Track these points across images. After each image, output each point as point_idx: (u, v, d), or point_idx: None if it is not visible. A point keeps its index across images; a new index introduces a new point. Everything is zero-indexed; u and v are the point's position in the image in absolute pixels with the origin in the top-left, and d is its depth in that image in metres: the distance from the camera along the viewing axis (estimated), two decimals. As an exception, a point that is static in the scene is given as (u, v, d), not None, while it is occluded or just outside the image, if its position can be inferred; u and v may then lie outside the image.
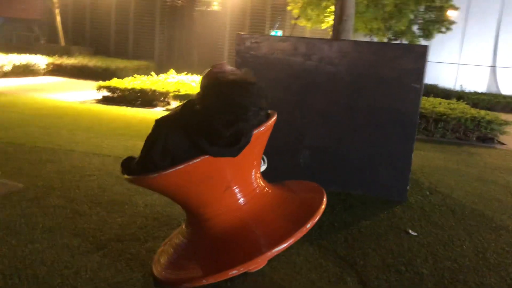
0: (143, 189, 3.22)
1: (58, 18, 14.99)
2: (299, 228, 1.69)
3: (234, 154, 1.73)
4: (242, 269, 1.64)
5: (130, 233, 2.49)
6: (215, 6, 18.54)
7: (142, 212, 2.82)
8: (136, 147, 4.50)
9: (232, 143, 1.72)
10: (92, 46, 16.48)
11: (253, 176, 1.94)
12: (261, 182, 1.97)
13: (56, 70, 12.34)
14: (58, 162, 3.74)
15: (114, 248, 2.30)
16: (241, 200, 1.85)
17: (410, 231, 2.86)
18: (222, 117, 1.71)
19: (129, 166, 1.86)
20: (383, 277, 2.23)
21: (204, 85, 1.92)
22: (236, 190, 1.84)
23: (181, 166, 1.67)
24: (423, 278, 2.26)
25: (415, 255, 2.52)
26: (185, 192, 1.84)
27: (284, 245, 1.66)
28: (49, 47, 14.56)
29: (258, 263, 1.72)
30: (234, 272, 1.63)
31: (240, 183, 1.86)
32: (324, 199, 1.86)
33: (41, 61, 11.92)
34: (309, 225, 1.71)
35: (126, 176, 1.82)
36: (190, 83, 8.98)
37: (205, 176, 1.76)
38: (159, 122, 1.76)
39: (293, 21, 6.72)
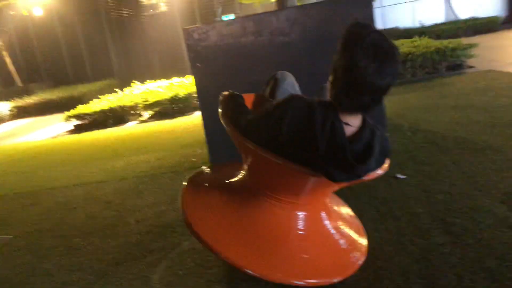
0: (132, 206, 3.20)
1: (8, 60, 14.62)
2: (326, 278, 1.68)
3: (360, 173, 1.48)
4: (257, 275, 1.59)
5: (127, 253, 2.46)
6: (162, 7, 18.25)
7: (135, 229, 2.79)
8: (116, 167, 4.45)
9: (360, 159, 1.43)
10: (50, 79, 16.16)
11: (323, 201, 1.89)
12: (327, 208, 1.90)
13: (21, 113, 12.08)
14: (41, 203, 3.67)
15: (115, 273, 2.27)
16: (301, 215, 1.76)
17: (399, 176, 2.88)
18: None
19: (237, 110, 1.71)
20: (381, 227, 2.25)
21: None
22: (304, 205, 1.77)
23: (280, 161, 1.50)
24: (420, 217, 2.28)
25: (408, 197, 2.55)
26: (262, 172, 1.74)
27: (304, 284, 1.63)
28: (7, 92, 14.23)
29: (272, 279, 1.64)
30: (249, 272, 1.58)
31: (313, 200, 1.79)
32: (361, 262, 1.82)
33: (2, 107, 11.65)
34: (336, 280, 1.70)
35: (222, 118, 1.70)
36: (157, 89, 8.87)
37: (290, 177, 1.64)
38: (292, 99, 1.51)
39: (239, 0, 6.61)
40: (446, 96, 5.11)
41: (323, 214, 1.88)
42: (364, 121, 1.52)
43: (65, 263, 2.49)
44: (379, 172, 1.61)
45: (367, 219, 2.34)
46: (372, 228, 2.24)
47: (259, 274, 1.58)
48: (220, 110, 1.80)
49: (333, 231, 1.87)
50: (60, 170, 4.79)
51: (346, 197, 2.65)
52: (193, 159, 4.26)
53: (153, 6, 18.72)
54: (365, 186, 2.80)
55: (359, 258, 1.83)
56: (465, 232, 2.05)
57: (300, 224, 1.77)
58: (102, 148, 5.73)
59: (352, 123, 1.48)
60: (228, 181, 1.97)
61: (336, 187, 1.84)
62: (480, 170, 2.75)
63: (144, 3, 18.46)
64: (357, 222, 2.16)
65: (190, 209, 1.78)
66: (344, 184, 1.79)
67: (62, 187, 4.06)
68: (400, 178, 2.84)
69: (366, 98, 1.41)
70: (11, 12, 16.32)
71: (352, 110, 1.46)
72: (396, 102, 5.16)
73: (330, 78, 1.48)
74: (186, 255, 2.31)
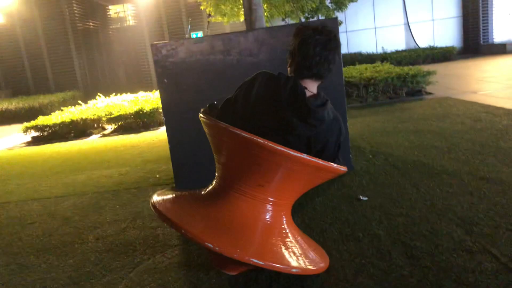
0: (92, 223, 3.10)
1: (-36, 67, 14.01)
2: (284, 265, 1.69)
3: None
4: (216, 249, 1.58)
5: (85, 272, 2.38)
6: (130, 21, 18.11)
7: (94, 247, 2.70)
8: (76, 182, 4.31)
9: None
10: (9, 88, 15.56)
11: (287, 204, 1.93)
12: (289, 218, 1.94)
13: (-25, 122, 11.53)
14: (-6, 218, 3.50)
15: (71, 293, 2.18)
16: (268, 207, 1.83)
17: (361, 197, 2.94)
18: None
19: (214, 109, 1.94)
20: (343, 248, 2.28)
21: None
22: (270, 199, 1.81)
23: (245, 135, 1.60)
24: (381, 239, 2.33)
25: (369, 219, 2.60)
26: (230, 158, 1.83)
27: (263, 264, 1.63)
28: (-39, 100, 13.56)
29: (231, 259, 1.65)
30: (208, 245, 1.57)
31: (276, 197, 1.83)
32: (316, 271, 1.82)
33: (-44, 116, 11.10)
34: (294, 270, 1.72)
35: (200, 115, 1.83)
36: (121, 103, 8.72)
37: (254, 159, 1.71)
38: (259, 72, 1.80)
39: (208, 19, 6.66)
40: (406, 120, 5.30)
41: (285, 220, 1.91)
42: (319, 92, 1.82)
43: (16, 283, 2.37)
44: (343, 168, 1.78)
45: (330, 240, 2.38)
46: (335, 249, 2.27)
47: (218, 248, 1.57)
48: (200, 115, 1.86)
49: (292, 239, 1.90)
50: (16, 183, 4.59)
51: (309, 218, 2.69)
52: (157, 175, 4.19)
53: (121, 20, 18.54)
54: (329, 207, 2.85)
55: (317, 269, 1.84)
56: (424, 254, 2.11)
57: (264, 217, 1.82)
58: (62, 161, 5.54)
59: (310, 89, 1.78)
60: (195, 191, 2.03)
61: (299, 186, 1.88)
62: (438, 194, 2.85)
63: (111, 16, 18.27)
64: (317, 245, 2.19)
65: (158, 199, 1.86)
66: (309, 183, 1.88)
67: (18, 201, 3.88)
68: (362, 199, 2.90)
69: (320, 67, 1.75)
70: (-30, 17, 15.73)
71: (310, 77, 1.77)
72: (359, 125, 5.31)
73: (289, 61, 1.82)
74: (147, 274, 2.25)
